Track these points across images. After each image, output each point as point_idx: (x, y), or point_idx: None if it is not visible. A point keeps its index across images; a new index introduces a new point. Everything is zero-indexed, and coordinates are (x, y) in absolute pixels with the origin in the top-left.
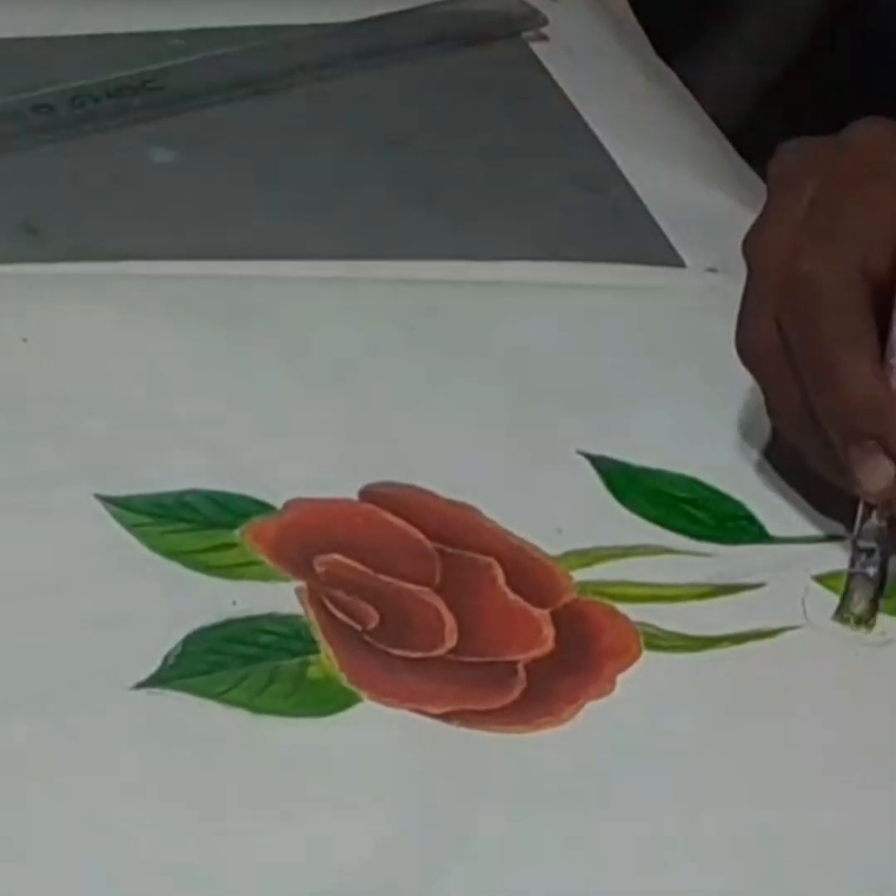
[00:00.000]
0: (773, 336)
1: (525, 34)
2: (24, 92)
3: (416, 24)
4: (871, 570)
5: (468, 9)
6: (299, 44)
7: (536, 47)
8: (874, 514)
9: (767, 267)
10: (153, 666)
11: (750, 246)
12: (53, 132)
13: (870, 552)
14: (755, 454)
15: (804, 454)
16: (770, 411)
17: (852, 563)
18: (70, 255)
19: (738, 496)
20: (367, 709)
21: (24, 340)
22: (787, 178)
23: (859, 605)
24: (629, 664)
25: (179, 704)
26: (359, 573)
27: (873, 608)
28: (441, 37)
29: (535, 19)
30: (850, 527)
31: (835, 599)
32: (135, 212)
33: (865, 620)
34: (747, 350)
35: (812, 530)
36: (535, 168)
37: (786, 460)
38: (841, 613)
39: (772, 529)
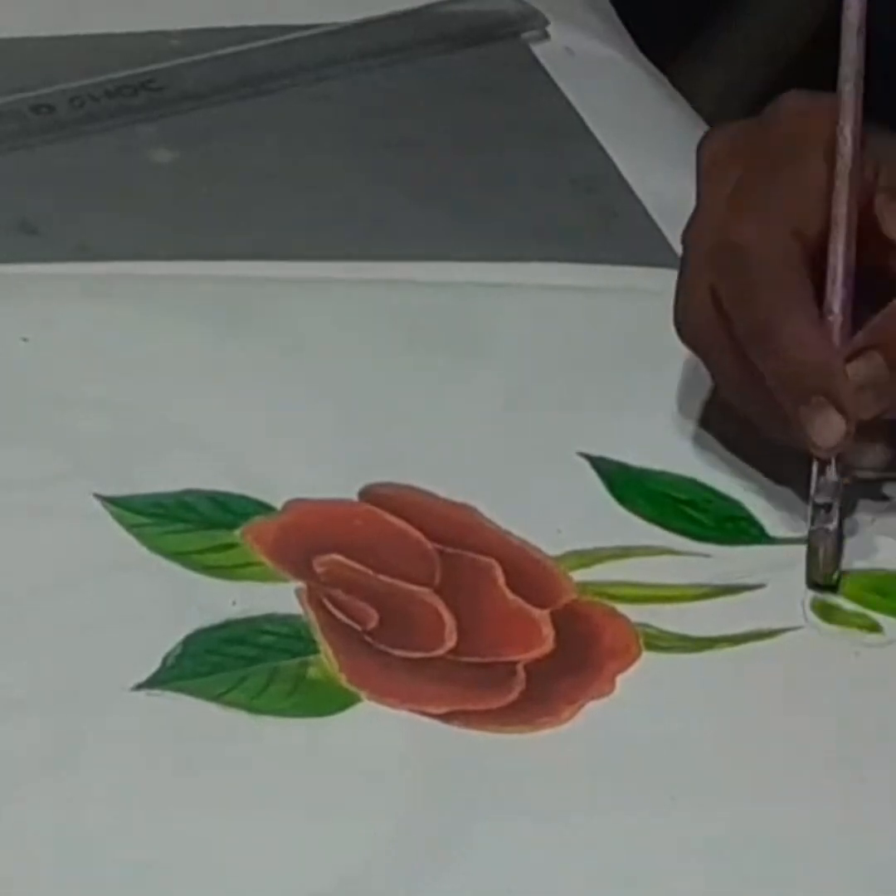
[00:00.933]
0: (708, 308)
1: (525, 34)
2: (24, 92)
3: (416, 24)
4: (831, 526)
5: (468, 9)
6: (299, 44)
7: (536, 47)
8: (828, 470)
9: (698, 244)
10: (153, 667)
11: (685, 234)
12: (53, 132)
13: (827, 508)
14: (755, 455)
15: (753, 422)
16: (714, 383)
17: (812, 520)
18: (69, 255)
19: (737, 497)
20: (367, 709)
21: (24, 340)
22: (714, 164)
23: (826, 564)
24: (629, 665)
25: (179, 705)
26: (358, 573)
27: (836, 565)
28: (441, 37)
29: (536, 19)
30: (802, 489)
31: (834, 599)
32: (134, 212)
33: (831, 580)
34: (684, 325)
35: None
36: (534, 168)
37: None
38: (811, 576)
39: (771, 530)
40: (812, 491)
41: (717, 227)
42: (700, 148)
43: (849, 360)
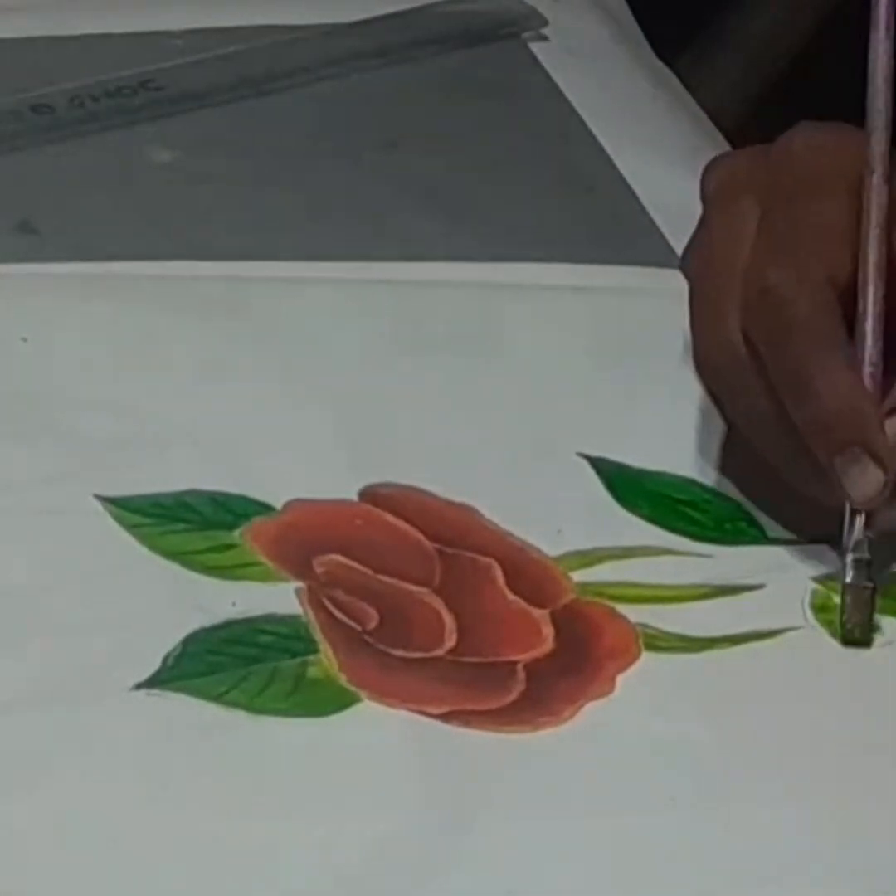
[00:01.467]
0: (738, 351)
1: (525, 34)
2: (24, 92)
3: (416, 24)
4: (870, 583)
5: (468, 9)
6: (299, 44)
7: (536, 47)
8: (858, 521)
9: (723, 283)
10: (152, 667)
11: (693, 263)
12: (53, 132)
13: (868, 564)
14: (754, 455)
15: (778, 466)
16: (735, 424)
17: (846, 575)
18: (69, 255)
19: (737, 498)
20: (367, 709)
21: (24, 340)
22: (723, 194)
23: (855, 618)
24: (629, 665)
25: (179, 706)
26: (358, 573)
27: (870, 623)
28: (441, 37)
29: (535, 20)
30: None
31: (835, 599)
32: (134, 212)
33: (865, 636)
34: (707, 365)
35: (813, 531)
36: (534, 168)
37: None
38: (843, 631)
39: (771, 531)
40: (844, 545)
41: (743, 268)
42: (706, 174)
43: (889, 415)
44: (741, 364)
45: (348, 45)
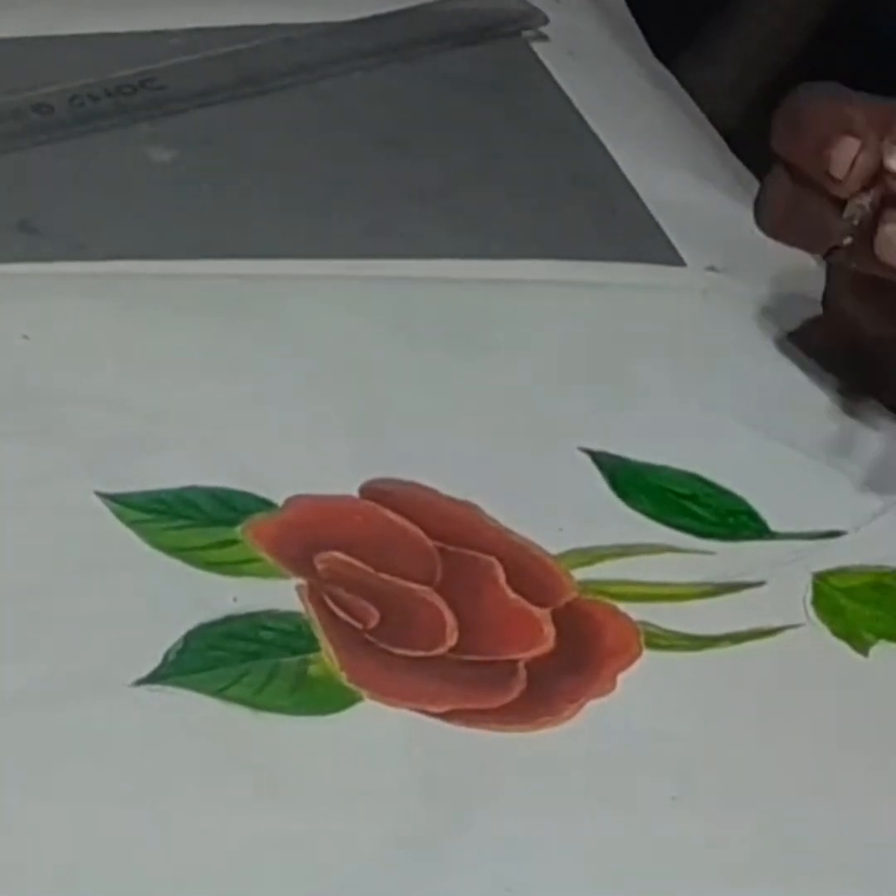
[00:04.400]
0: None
1: (525, 34)
2: (24, 92)
3: (416, 23)
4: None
5: (468, 8)
6: (299, 43)
7: (537, 47)
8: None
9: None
10: (154, 662)
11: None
12: (53, 132)
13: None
14: (756, 449)
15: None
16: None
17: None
18: (69, 255)
19: (739, 492)
20: (368, 708)
21: (25, 338)
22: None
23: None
24: (630, 663)
25: (180, 701)
26: (359, 571)
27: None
28: (441, 36)
29: (536, 19)
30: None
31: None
32: (134, 211)
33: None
34: (761, 214)
35: (813, 526)
36: (535, 168)
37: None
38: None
39: (773, 525)
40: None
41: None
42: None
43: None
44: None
45: (349, 45)
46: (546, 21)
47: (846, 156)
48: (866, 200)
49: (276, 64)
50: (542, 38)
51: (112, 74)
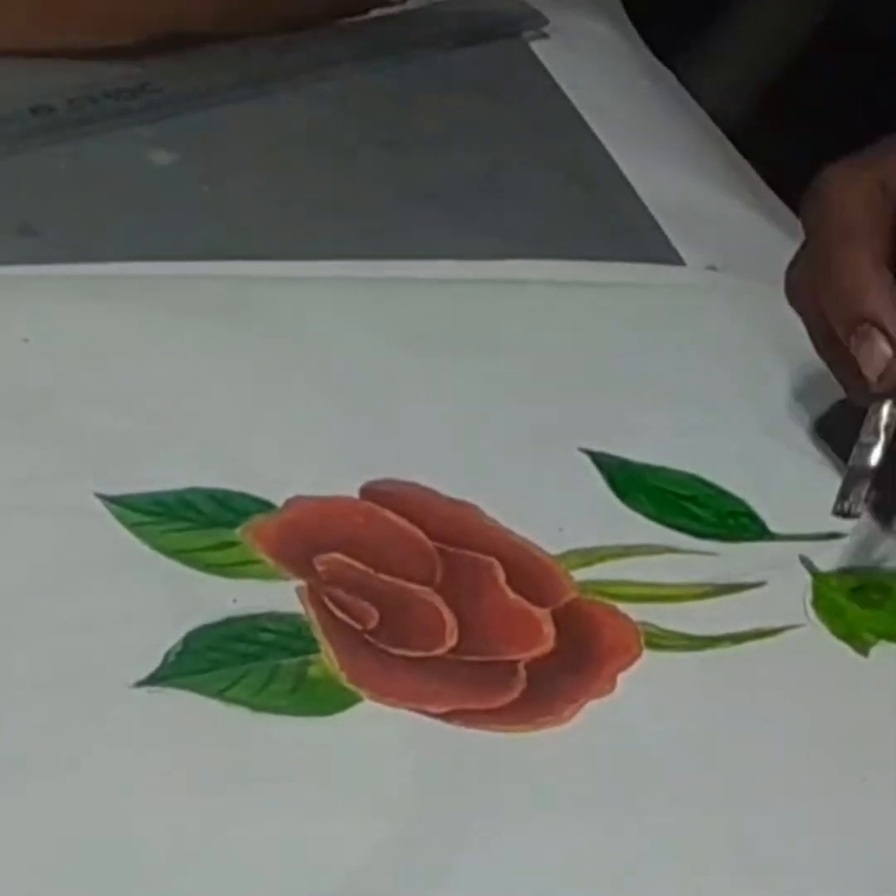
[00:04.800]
0: (804, 270)
1: (525, 34)
2: (24, 94)
3: (416, 22)
4: (871, 461)
5: (469, 9)
6: (299, 44)
7: (536, 47)
8: (884, 409)
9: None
10: (154, 664)
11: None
12: (52, 134)
13: (870, 446)
14: (756, 450)
15: (831, 370)
16: (815, 350)
17: (851, 459)
18: (69, 257)
19: (739, 493)
20: (368, 708)
21: (25, 340)
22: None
23: (854, 501)
24: (630, 663)
25: (180, 702)
26: (359, 572)
27: (861, 503)
28: (441, 36)
29: (536, 19)
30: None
31: (836, 598)
32: (134, 213)
33: (853, 514)
34: (787, 285)
35: (813, 528)
36: (534, 167)
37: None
38: (836, 507)
39: (773, 527)
40: (864, 427)
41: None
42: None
43: None
44: (802, 272)
45: (348, 45)
46: (546, 22)
47: (879, 361)
48: (888, 412)
49: (276, 65)
50: (542, 37)
51: (111, 76)
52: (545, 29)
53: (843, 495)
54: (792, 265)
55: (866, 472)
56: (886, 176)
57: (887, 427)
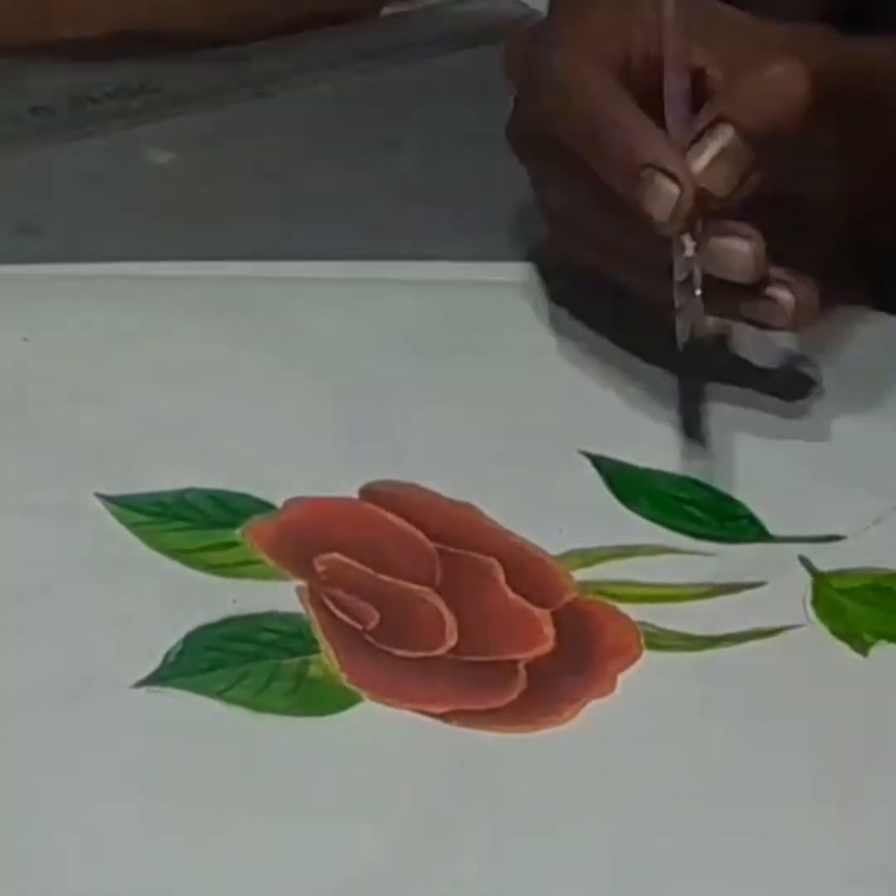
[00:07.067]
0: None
1: None
2: (24, 94)
3: (416, 24)
4: (694, 294)
5: (468, 11)
6: (300, 45)
7: None
8: (683, 244)
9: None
10: (153, 664)
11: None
12: (52, 134)
13: (688, 280)
14: (755, 454)
15: (574, 252)
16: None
17: (676, 299)
18: (69, 257)
19: (738, 497)
20: (368, 709)
21: (25, 340)
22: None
23: (697, 327)
24: (630, 664)
25: (180, 702)
26: (359, 572)
27: (704, 327)
28: (440, 38)
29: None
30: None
31: (836, 599)
32: (134, 213)
33: (703, 340)
34: (514, 141)
35: (813, 531)
36: None
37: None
38: (681, 340)
39: (772, 530)
40: (674, 277)
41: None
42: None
43: (695, 141)
44: (540, 139)
45: (349, 46)
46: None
47: (666, 201)
48: (690, 245)
49: (276, 65)
50: None
51: (112, 76)
52: None
53: (684, 328)
54: (510, 126)
55: (695, 304)
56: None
57: (693, 258)
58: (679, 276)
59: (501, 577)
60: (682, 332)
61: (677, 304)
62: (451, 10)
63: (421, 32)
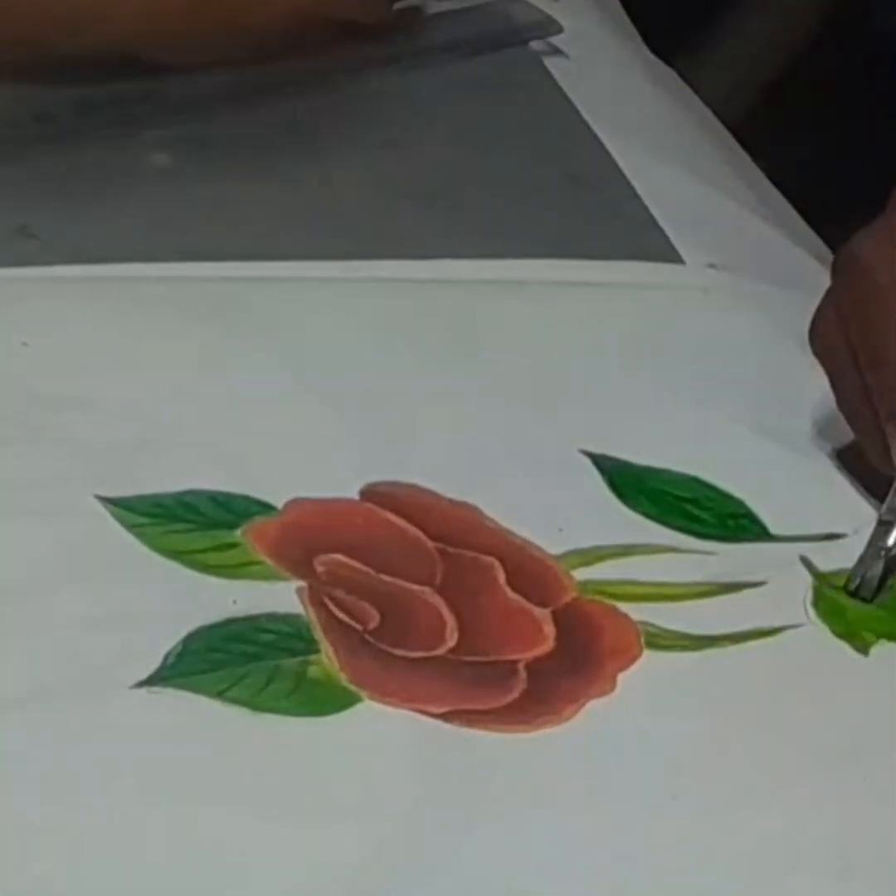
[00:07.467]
0: (831, 320)
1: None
2: (28, 100)
3: (429, 31)
4: (888, 541)
5: (484, 16)
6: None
7: (536, 45)
8: None
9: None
10: (154, 664)
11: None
12: (56, 142)
13: (889, 525)
14: (756, 452)
15: (859, 438)
16: (837, 401)
17: (872, 538)
18: (69, 259)
19: (739, 495)
20: (368, 709)
21: (24, 344)
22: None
23: (867, 583)
24: (630, 663)
25: (180, 702)
26: (359, 573)
27: (881, 584)
28: (454, 46)
29: (550, 27)
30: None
31: (836, 598)
32: (133, 215)
33: (870, 595)
34: (813, 333)
35: (813, 529)
36: (534, 167)
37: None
38: (847, 584)
39: (773, 528)
40: (885, 507)
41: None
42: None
43: None
44: (833, 331)
45: (360, 53)
46: (560, 30)
47: None
48: None
49: (287, 74)
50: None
51: (117, 84)
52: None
53: (857, 572)
54: (820, 313)
55: (881, 552)
56: None
57: None
58: (886, 515)
59: (501, 577)
60: (856, 574)
61: (869, 539)
62: (466, 17)
63: (434, 42)
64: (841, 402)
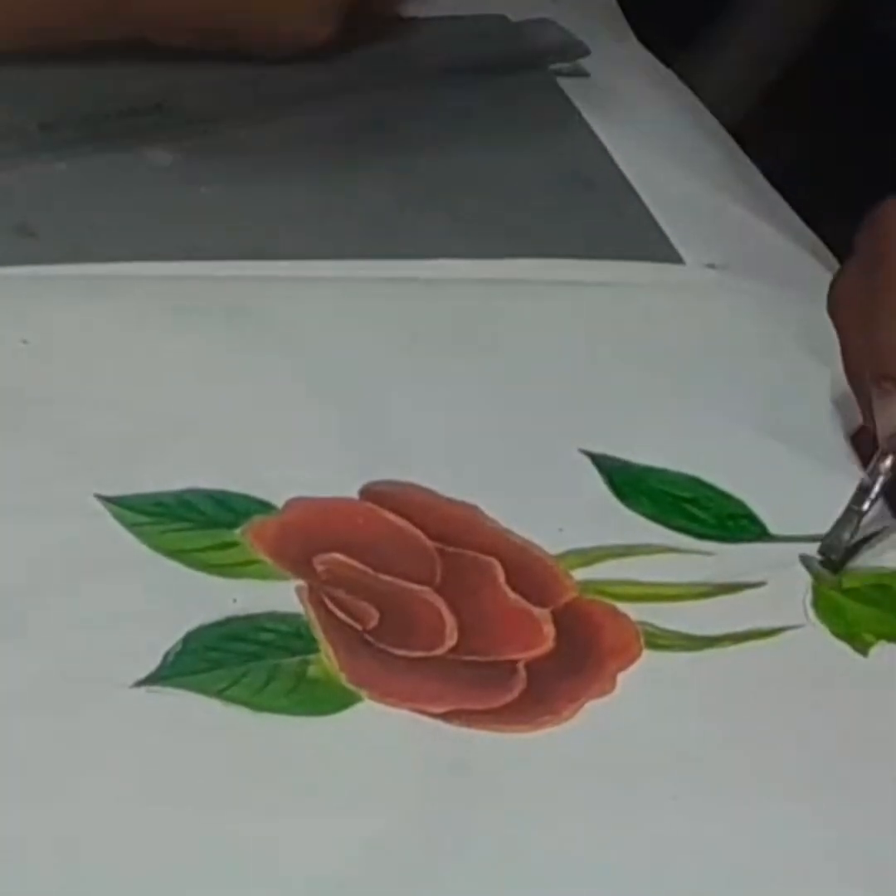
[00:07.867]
0: (850, 282)
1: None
2: (33, 111)
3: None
4: (863, 506)
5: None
6: (317, 67)
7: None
8: (888, 460)
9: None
10: (153, 664)
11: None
12: (61, 151)
13: (867, 490)
14: (756, 452)
15: (855, 397)
16: (842, 360)
17: (850, 501)
18: (68, 258)
19: (739, 495)
20: (368, 708)
21: (24, 342)
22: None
23: (833, 535)
24: (630, 663)
25: (179, 701)
26: (359, 572)
27: (853, 549)
28: (476, 67)
29: (579, 49)
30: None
31: (835, 598)
32: (133, 213)
33: (838, 556)
34: (831, 298)
35: (813, 529)
36: (534, 166)
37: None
38: (822, 545)
39: (773, 528)
40: (867, 472)
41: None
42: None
43: None
44: (849, 295)
45: (366, 71)
46: (587, 52)
47: (892, 420)
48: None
49: (294, 88)
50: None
51: (123, 95)
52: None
53: (831, 534)
54: (838, 278)
55: (855, 516)
56: None
57: (885, 475)
58: (865, 480)
59: (501, 577)
60: (830, 535)
61: (849, 502)
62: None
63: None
64: (844, 360)
